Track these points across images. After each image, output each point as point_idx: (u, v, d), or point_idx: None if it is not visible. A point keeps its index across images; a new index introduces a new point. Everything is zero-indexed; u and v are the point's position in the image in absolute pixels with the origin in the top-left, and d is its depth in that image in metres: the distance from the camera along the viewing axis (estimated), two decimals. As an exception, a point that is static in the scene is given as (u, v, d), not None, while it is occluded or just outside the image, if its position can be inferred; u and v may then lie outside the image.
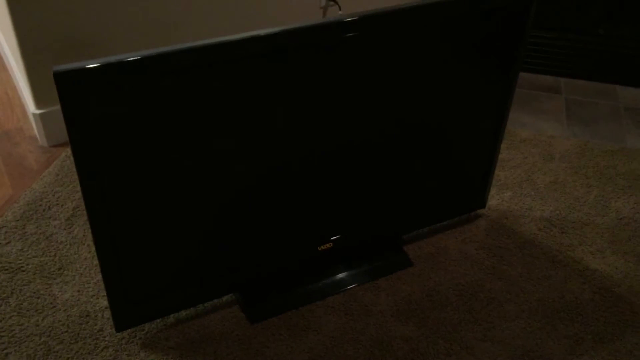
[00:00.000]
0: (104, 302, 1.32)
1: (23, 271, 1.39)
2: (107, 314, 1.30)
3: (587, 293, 1.38)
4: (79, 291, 1.35)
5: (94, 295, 1.34)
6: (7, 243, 1.45)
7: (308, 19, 2.13)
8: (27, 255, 1.43)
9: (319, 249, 1.36)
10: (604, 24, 2.19)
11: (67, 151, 1.77)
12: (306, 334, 1.27)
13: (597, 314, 1.33)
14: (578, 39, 2.23)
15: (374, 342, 1.25)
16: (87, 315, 1.29)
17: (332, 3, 2.16)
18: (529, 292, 1.37)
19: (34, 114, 1.77)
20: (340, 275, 1.39)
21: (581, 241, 1.52)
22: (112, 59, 0.94)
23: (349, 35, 1.09)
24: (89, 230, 1.50)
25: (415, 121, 1.29)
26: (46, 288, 1.35)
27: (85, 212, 1.56)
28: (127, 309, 1.19)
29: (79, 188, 1.63)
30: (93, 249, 1.45)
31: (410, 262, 1.44)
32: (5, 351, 1.21)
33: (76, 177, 1.67)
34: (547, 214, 1.60)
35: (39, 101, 1.75)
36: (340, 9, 2.18)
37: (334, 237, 1.36)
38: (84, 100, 0.94)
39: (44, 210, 1.56)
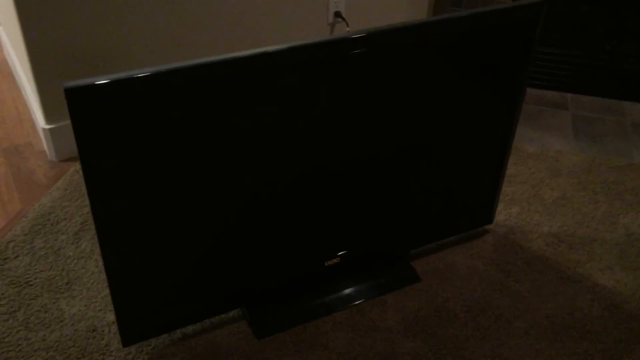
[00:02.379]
0: (111, 317, 1.32)
1: (31, 285, 1.39)
2: (114, 328, 1.30)
3: (596, 310, 1.37)
4: (86, 305, 1.35)
5: (101, 310, 1.34)
6: (15, 257, 1.46)
7: (316, 35, 2.15)
8: (35, 269, 1.43)
9: (326, 264, 1.35)
10: (610, 41, 2.20)
11: (76, 166, 1.78)
12: (313, 350, 1.26)
13: (606, 331, 1.31)
14: (585, 55, 2.24)
15: (381, 358, 1.25)
16: (94, 330, 1.29)
17: (339, 20, 2.17)
18: (538, 309, 1.37)
19: (43, 129, 1.78)
20: (347, 291, 1.39)
21: (590, 257, 1.51)
22: (122, 75, 0.95)
23: (356, 52, 1.10)
24: (97, 245, 1.51)
25: (423, 137, 1.29)
26: (54, 302, 1.35)
27: (93, 226, 1.57)
28: (134, 324, 1.19)
29: (87, 202, 1.64)
30: (100, 263, 1.46)
31: (418, 278, 1.43)
32: (12, 365, 1.21)
33: (84, 191, 1.68)
34: (555, 230, 1.59)
35: (48, 116, 1.77)
36: (347, 26, 2.20)
37: (341, 253, 1.36)
38: (94, 116, 0.95)
39: (52, 225, 1.56)
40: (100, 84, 0.93)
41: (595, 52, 2.23)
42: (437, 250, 1.52)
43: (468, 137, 1.36)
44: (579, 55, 2.24)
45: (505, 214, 1.65)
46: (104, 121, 0.97)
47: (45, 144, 1.85)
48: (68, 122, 1.79)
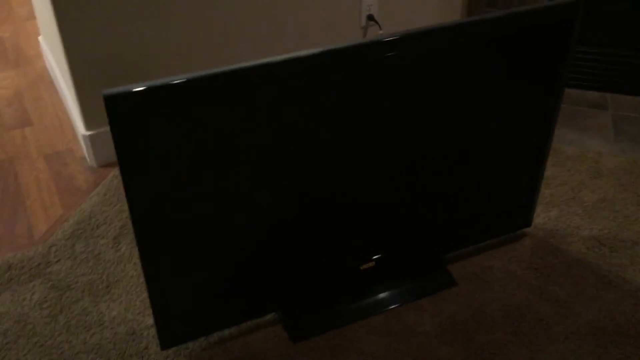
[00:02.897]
0: (150, 320, 1.34)
1: (72, 289, 1.42)
2: (153, 331, 1.32)
3: (640, 315, 1.33)
4: (125, 309, 1.37)
5: (140, 313, 1.36)
6: (57, 261, 1.49)
7: (348, 39, 2.14)
8: (76, 273, 1.46)
9: (361, 268, 1.35)
10: (651, 38, 2.14)
11: (115, 171, 1.82)
12: (348, 354, 1.26)
13: (650, 337, 1.28)
14: (625, 53, 2.18)
15: (418, 363, 1.24)
16: (133, 333, 1.31)
17: (372, 23, 2.17)
18: (578, 314, 1.34)
19: (83, 136, 1.82)
20: (383, 295, 1.38)
21: (632, 261, 1.47)
22: (159, 82, 0.96)
23: (390, 54, 1.09)
24: (136, 249, 1.53)
25: (460, 139, 1.28)
26: (94, 306, 1.38)
27: (132, 231, 1.59)
28: (172, 327, 1.21)
29: (125, 207, 1.67)
30: (139, 267, 1.48)
31: (454, 282, 1.42)
32: (54, 367, 1.24)
33: (123, 196, 1.71)
34: (595, 233, 1.56)
35: (88, 123, 1.81)
36: (380, 29, 2.19)
37: (376, 256, 1.35)
38: (133, 123, 0.97)
39: (92, 229, 1.59)
40: (139, 90, 0.95)
41: (635, 50, 2.17)
42: (474, 254, 1.50)
43: (506, 139, 1.34)
44: (619, 53, 2.19)
45: (544, 216, 1.62)
46: (142, 127, 0.98)
47: (85, 150, 1.89)
48: (107, 128, 1.82)
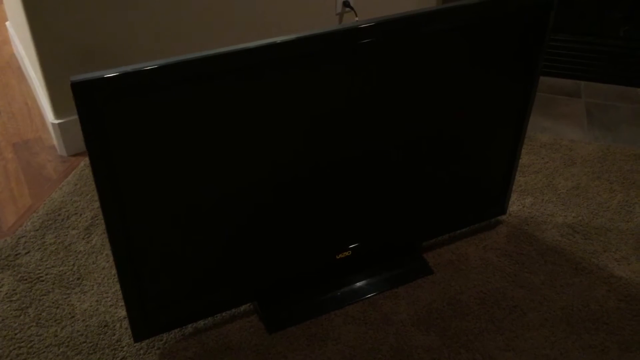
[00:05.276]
0: (123, 312, 1.32)
1: (42, 281, 1.39)
2: (126, 324, 1.29)
3: (613, 301, 1.35)
4: (97, 301, 1.35)
5: (112, 305, 1.33)
6: (26, 253, 1.46)
7: (324, 26, 2.12)
8: (46, 265, 1.43)
9: (337, 257, 1.34)
10: (624, 27, 2.16)
11: (86, 160, 1.78)
12: (325, 343, 1.25)
13: (623, 323, 1.29)
14: (598, 42, 2.20)
15: (395, 351, 1.23)
16: (105, 326, 1.29)
17: (348, 9, 2.15)
18: (553, 300, 1.35)
19: (52, 124, 1.78)
20: (359, 284, 1.38)
21: (605, 248, 1.49)
22: (129, 68, 0.93)
23: (366, 41, 1.08)
24: (107, 240, 1.50)
25: (434, 127, 1.27)
26: (65, 298, 1.35)
27: (103, 221, 1.56)
28: (145, 319, 1.18)
29: (97, 197, 1.63)
30: (111, 258, 1.45)
31: (430, 270, 1.42)
32: (24, 361, 1.21)
33: (94, 186, 1.68)
34: (569, 220, 1.57)
35: (57, 111, 1.76)
36: (356, 16, 2.17)
37: (352, 245, 1.35)
38: (101, 110, 0.94)
39: (62, 220, 1.56)
40: (107, 77, 0.92)
41: (608, 38, 2.19)
42: (449, 242, 1.50)
43: (480, 127, 1.34)
44: (593, 42, 2.21)
45: (518, 204, 1.62)
46: (111, 115, 0.96)
47: (54, 139, 1.85)
48: (77, 116, 1.78)
